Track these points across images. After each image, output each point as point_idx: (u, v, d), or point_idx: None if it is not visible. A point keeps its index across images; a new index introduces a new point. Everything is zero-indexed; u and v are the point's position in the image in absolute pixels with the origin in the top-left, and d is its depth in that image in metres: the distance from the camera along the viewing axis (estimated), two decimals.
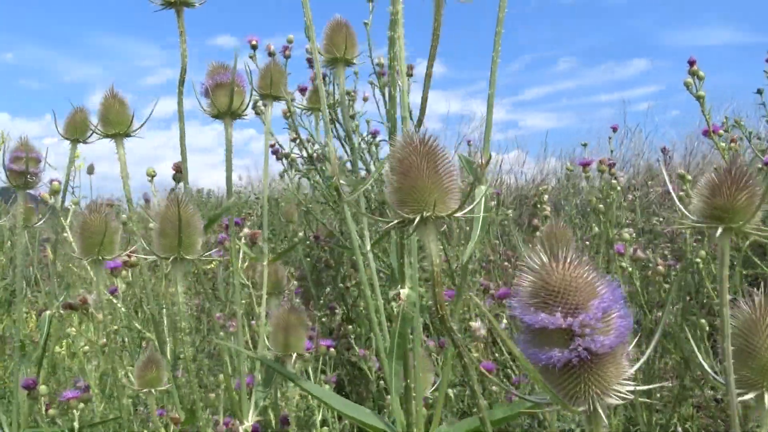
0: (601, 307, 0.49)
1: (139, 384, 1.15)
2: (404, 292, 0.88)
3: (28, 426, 1.46)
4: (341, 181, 0.98)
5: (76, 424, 1.35)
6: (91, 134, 1.48)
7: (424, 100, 0.85)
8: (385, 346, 1.08)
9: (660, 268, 2.18)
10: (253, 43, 2.32)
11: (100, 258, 1.08)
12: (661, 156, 5.67)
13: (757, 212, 0.64)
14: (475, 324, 2.42)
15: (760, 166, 2.74)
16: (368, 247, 1.06)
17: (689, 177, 1.90)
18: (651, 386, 0.50)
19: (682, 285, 2.21)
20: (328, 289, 3.11)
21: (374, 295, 1.05)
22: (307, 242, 3.03)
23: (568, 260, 0.50)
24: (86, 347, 1.74)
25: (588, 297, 0.49)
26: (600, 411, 0.48)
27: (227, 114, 1.26)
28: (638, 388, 0.49)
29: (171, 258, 0.92)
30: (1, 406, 1.52)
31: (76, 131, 1.55)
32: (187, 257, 0.93)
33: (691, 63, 1.78)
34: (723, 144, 1.83)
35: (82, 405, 1.37)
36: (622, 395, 0.49)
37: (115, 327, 1.73)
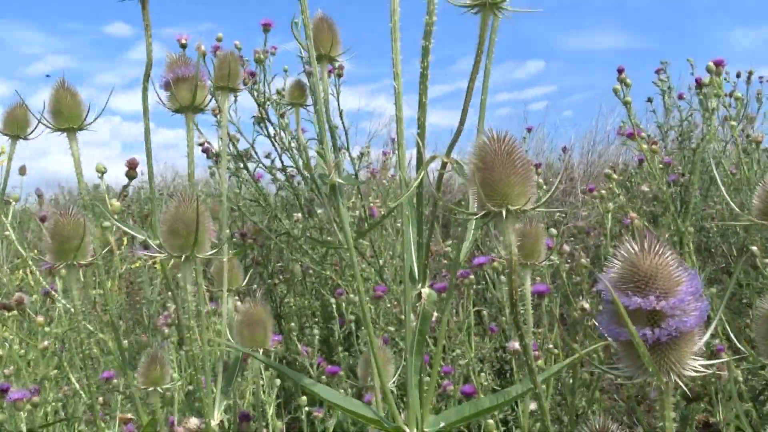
0: (688, 291, 0.54)
1: (143, 382, 1.09)
2: (425, 291, 0.90)
3: None
4: (338, 180, 0.98)
5: (23, 426, 1.27)
6: (35, 129, 1.39)
7: (464, 111, 0.87)
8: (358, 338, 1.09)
9: (583, 260, 2.35)
10: (183, 42, 2.24)
11: (75, 263, 1.01)
12: (561, 154, 6.05)
13: None
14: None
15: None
16: (351, 242, 1.07)
17: (615, 176, 2.07)
18: (713, 362, 0.56)
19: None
20: (254, 286, 3.06)
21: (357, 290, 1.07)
22: (233, 239, 2.96)
23: (655, 250, 0.55)
24: (22, 351, 1.61)
25: (675, 283, 0.55)
26: (679, 381, 0.54)
27: (189, 109, 1.22)
28: (704, 362, 0.55)
29: (183, 257, 0.89)
30: None
31: (17, 127, 1.45)
32: (199, 256, 0.91)
33: (620, 71, 1.93)
34: (645, 146, 2.00)
35: (29, 407, 1.28)
36: (695, 369, 0.55)
37: (56, 330, 1.62)
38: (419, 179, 0.87)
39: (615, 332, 0.56)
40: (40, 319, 1.67)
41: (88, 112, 1.27)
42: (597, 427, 0.67)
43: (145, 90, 1.22)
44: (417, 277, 0.94)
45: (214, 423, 1.28)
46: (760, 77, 3.33)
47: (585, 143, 6.53)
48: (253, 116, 2.84)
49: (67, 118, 1.20)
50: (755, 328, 0.67)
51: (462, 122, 0.89)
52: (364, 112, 9.58)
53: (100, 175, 1.48)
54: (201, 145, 2.66)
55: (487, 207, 0.68)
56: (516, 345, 1.99)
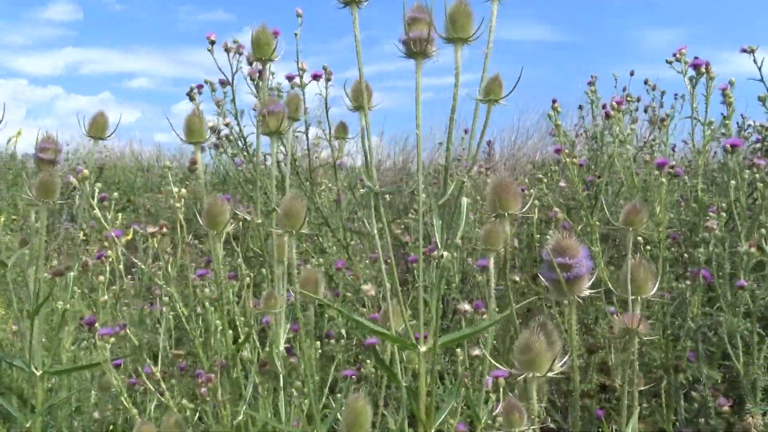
0: (583, 255, 1.13)
1: (264, 308, 1.62)
2: (446, 254, 1.46)
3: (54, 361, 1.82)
4: (380, 189, 1.52)
5: (107, 354, 1.77)
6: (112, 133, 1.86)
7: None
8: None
9: (515, 244, 3.00)
10: (212, 39, 2.74)
11: (217, 232, 1.51)
12: (486, 147, 6.71)
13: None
14: (366, 287, 3.00)
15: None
16: (375, 230, 1.60)
17: (545, 180, 2.70)
18: (595, 290, 1.15)
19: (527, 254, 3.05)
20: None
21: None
22: None
23: (569, 236, 1.13)
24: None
25: (577, 252, 1.13)
26: (578, 300, 1.13)
27: (275, 133, 1.74)
28: (591, 292, 1.14)
29: (290, 232, 1.43)
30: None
31: (98, 131, 1.93)
32: (299, 232, 1.44)
33: (554, 101, 2.56)
34: (568, 159, 2.63)
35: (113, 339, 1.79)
36: (584, 295, 1.14)
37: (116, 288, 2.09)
38: (447, 195, 1.44)
39: (549, 275, 1.14)
40: (101, 278, 2.15)
41: (208, 131, 1.75)
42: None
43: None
44: (440, 245, 1.50)
45: (281, 349, 1.82)
46: (675, 94, 3.88)
47: (506, 137, 7.23)
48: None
49: (195, 135, 1.70)
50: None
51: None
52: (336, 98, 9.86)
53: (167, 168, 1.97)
54: (212, 129, 3.13)
55: (498, 211, 1.26)
56: (466, 306, 2.61)
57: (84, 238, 2.77)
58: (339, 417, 1.53)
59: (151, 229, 1.94)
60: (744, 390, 2.12)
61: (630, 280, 1.17)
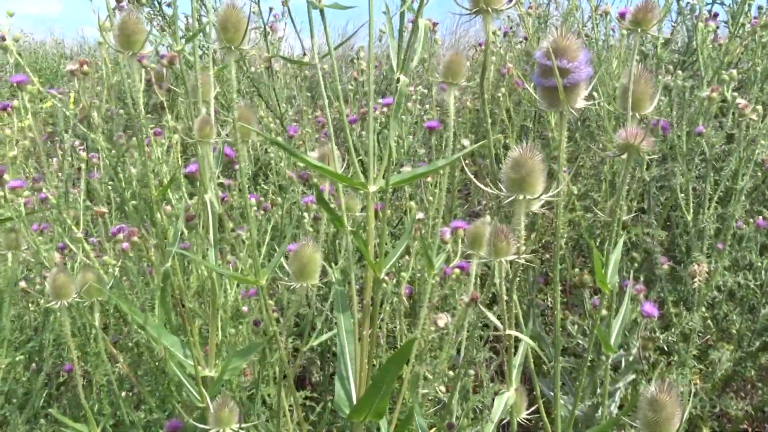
0: (583, 59, 0.97)
1: (198, 135, 1.35)
2: (403, 78, 1.26)
3: None
4: (326, 5, 1.28)
5: (23, 210, 1.58)
6: None
7: None
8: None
9: (468, 104, 2.84)
10: None
11: (233, 47, 1.19)
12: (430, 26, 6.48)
13: None
14: (313, 153, 2.81)
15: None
16: (317, 60, 1.38)
17: (499, 32, 2.51)
18: (588, 102, 1.00)
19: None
20: None
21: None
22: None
23: (567, 36, 0.96)
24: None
25: (576, 55, 0.96)
26: (571, 111, 0.98)
27: None
28: (587, 104, 0.99)
29: (228, 48, 1.15)
30: None
31: None
32: (244, 48, 1.17)
33: None
34: (524, 10, 2.44)
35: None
36: (580, 106, 0.99)
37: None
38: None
39: (541, 81, 0.98)
40: (8, 131, 1.84)
41: None
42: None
43: None
44: (396, 70, 1.30)
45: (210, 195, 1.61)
46: None
47: (447, 22, 7.00)
48: None
49: None
50: None
51: None
52: None
53: None
54: None
55: (480, 5, 1.03)
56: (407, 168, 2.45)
57: None
58: (283, 264, 1.35)
59: (71, 66, 1.61)
60: (691, 240, 2.12)
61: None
